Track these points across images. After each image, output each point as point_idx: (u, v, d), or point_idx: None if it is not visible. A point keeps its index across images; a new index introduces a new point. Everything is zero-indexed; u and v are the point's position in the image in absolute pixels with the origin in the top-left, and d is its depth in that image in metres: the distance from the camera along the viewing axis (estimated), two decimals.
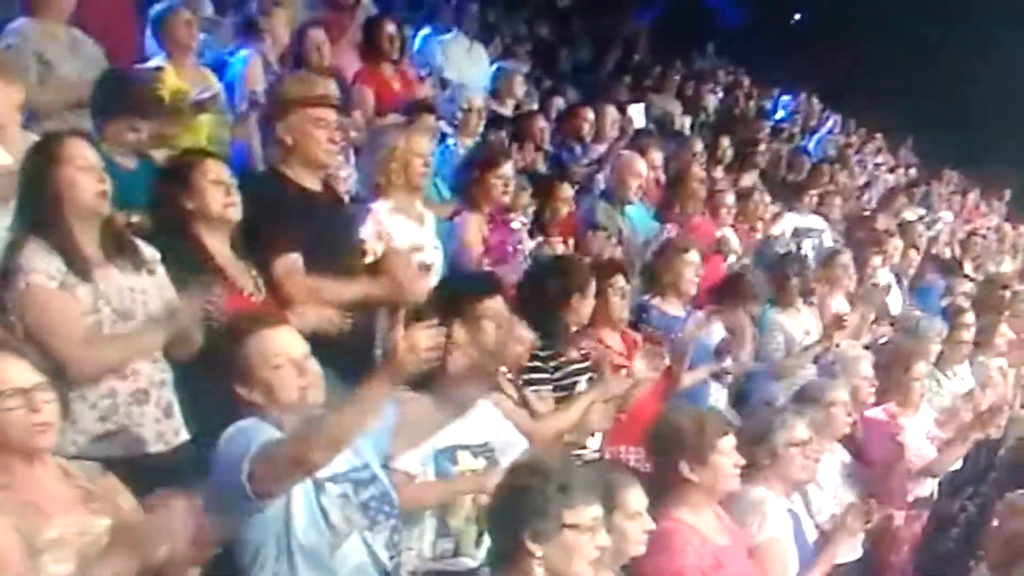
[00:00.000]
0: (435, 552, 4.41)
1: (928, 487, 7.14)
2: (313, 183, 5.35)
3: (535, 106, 10.41)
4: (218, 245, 4.80)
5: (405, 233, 5.89)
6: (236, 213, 4.82)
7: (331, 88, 6.14)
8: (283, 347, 3.90)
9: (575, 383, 5.58)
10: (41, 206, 4.20)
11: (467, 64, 10.45)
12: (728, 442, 4.81)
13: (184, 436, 4.41)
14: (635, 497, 4.25)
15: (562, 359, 5.65)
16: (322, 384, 3.95)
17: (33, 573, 3.18)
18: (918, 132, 19.08)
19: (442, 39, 10.42)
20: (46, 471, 3.38)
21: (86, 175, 4.25)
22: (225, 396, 3.96)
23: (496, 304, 4.83)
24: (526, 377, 5.38)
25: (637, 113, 11.28)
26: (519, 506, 3.66)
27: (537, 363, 5.50)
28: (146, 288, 4.39)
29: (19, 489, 3.26)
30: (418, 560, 4.34)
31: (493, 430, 4.64)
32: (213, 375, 4.04)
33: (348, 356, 4.71)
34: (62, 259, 4.14)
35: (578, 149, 9.52)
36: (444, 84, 9.64)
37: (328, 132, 5.31)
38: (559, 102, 10.63)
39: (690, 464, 4.71)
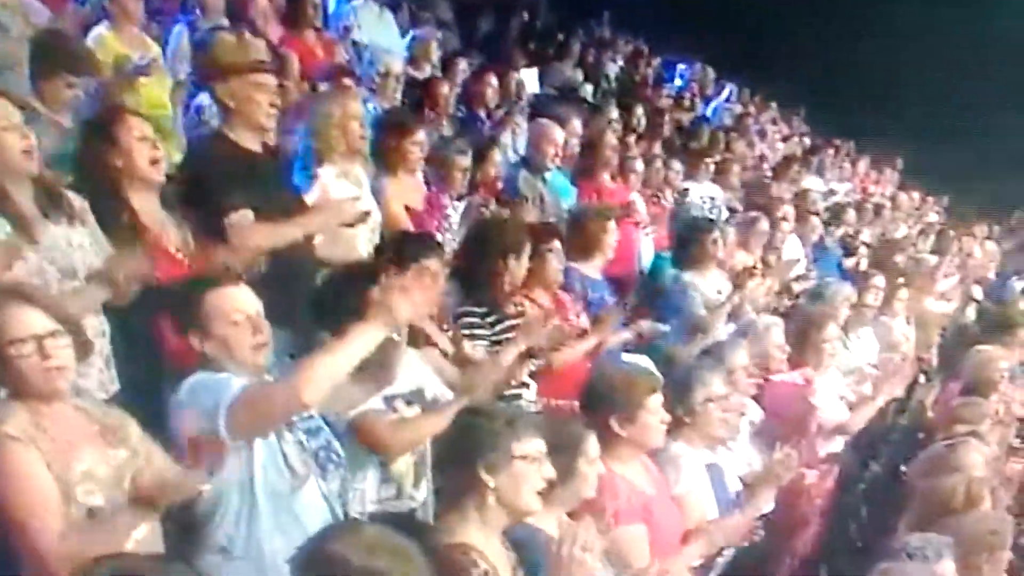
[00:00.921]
0: (379, 496, 4.69)
1: (839, 443, 7.51)
2: (254, 144, 5.54)
3: (439, 71, 10.59)
4: (144, 203, 4.96)
5: (348, 196, 6.05)
6: (161, 171, 4.98)
7: (264, 53, 6.31)
8: (242, 304, 4.12)
9: (510, 338, 5.83)
10: None
11: (378, 29, 10.65)
12: (656, 400, 5.07)
13: (117, 386, 4.59)
14: (593, 445, 4.51)
15: (497, 316, 5.92)
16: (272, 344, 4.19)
17: (67, 505, 3.44)
18: (810, 101, 19.51)
19: (354, 3, 10.58)
20: (66, 410, 3.62)
21: (10, 134, 4.41)
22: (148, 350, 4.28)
23: (435, 264, 5.13)
24: (465, 332, 5.69)
25: (530, 78, 11.54)
26: (472, 441, 3.98)
27: (475, 319, 5.81)
28: (83, 242, 4.56)
29: (47, 428, 3.49)
30: (363, 503, 4.61)
31: (423, 379, 4.93)
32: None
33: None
34: (4, 219, 4.29)
35: (482, 113, 9.77)
36: (356, 47, 9.82)
37: (268, 96, 5.51)
38: (463, 66, 10.77)
39: (620, 420, 4.96)
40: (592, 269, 7.28)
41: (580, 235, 7.27)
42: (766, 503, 5.71)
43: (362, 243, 6.07)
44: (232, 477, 3.93)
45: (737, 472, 6.03)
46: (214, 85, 5.52)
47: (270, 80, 5.56)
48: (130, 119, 4.97)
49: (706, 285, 8.08)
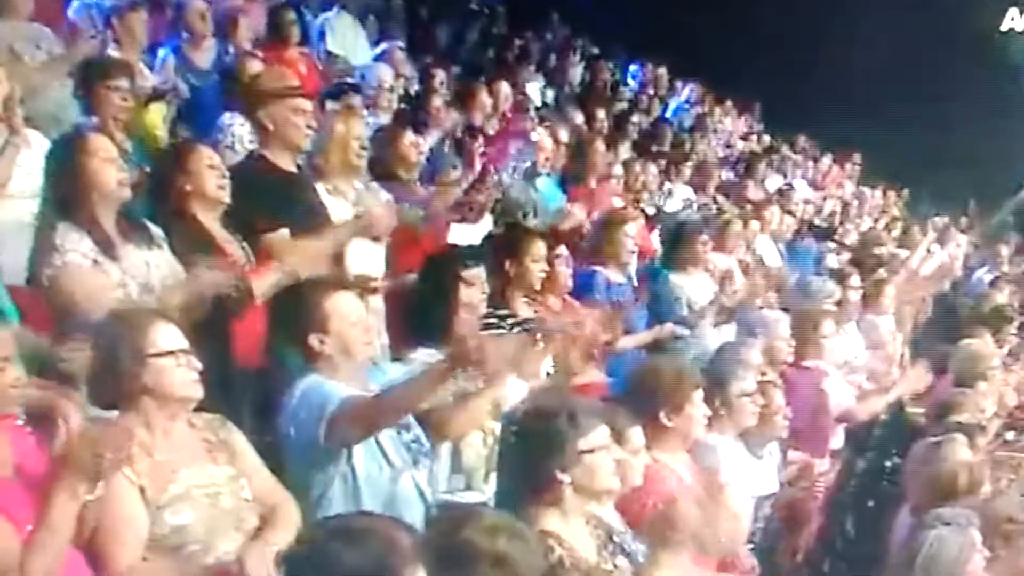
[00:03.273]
0: (449, 485, 5.32)
1: (840, 439, 8.15)
2: (290, 165, 6.21)
3: (415, 83, 11.08)
4: (212, 223, 5.57)
5: (339, 213, 6.51)
6: (226, 194, 5.60)
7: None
8: (354, 307, 4.83)
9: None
10: (70, 193, 4.94)
11: (352, 40, 11.24)
12: (699, 394, 5.70)
13: None
14: (637, 434, 5.06)
15: (516, 318, 6.46)
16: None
17: (153, 524, 3.86)
18: (764, 97, 20.03)
19: (327, 16, 11.20)
20: (181, 427, 4.11)
21: (110, 165, 5.04)
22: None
23: (481, 272, 5.76)
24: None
25: (535, 90, 12.12)
26: (538, 444, 4.47)
27: (494, 319, 6.28)
28: (159, 263, 5.15)
29: (155, 447, 3.92)
30: (434, 490, 5.16)
31: None
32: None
33: None
34: (91, 240, 4.88)
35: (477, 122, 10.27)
36: (331, 57, 10.37)
37: (305, 119, 6.19)
38: (440, 76, 11.25)
39: (668, 412, 5.57)
40: (615, 274, 7.85)
41: (601, 242, 7.87)
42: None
43: (380, 256, 6.59)
44: (335, 469, 4.55)
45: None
46: (255, 110, 6.14)
47: (306, 104, 6.24)
48: (200, 148, 5.66)
49: (691, 286, 8.62)
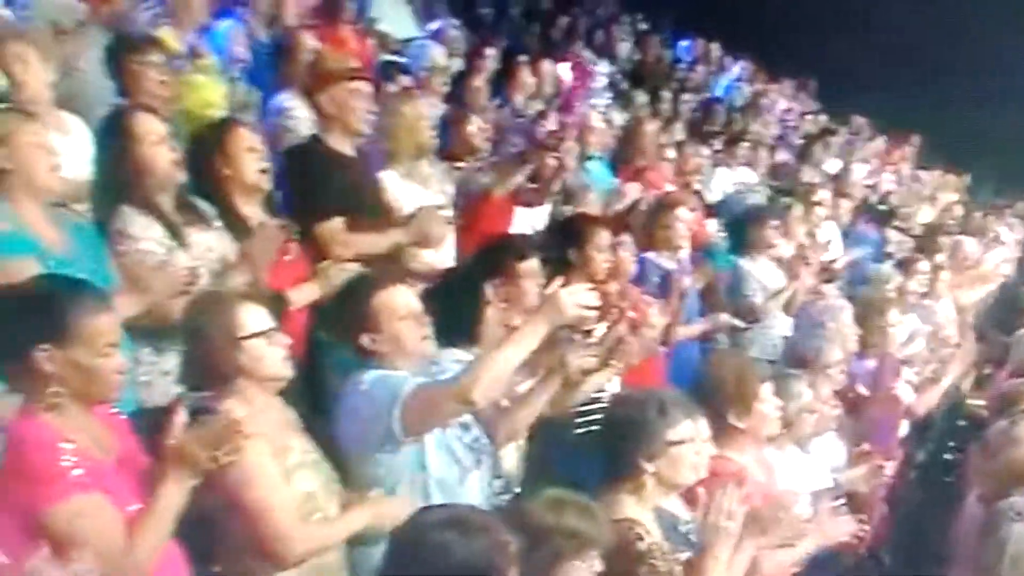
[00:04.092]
0: (492, 488, 5.27)
1: (904, 429, 8.20)
2: (348, 149, 6.29)
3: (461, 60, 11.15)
4: (252, 209, 5.59)
5: (414, 197, 6.69)
6: (267, 181, 5.64)
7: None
8: (406, 301, 4.79)
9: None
10: (126, 179, 5.04)
11: (395, 18, 11.29)
12: (767, 389, 5.75)
13: None
14: (703, 425, 5.04)
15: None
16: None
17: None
18: (820, 75, 19.92)
19: None
20: (276, 402, 4.29)
21: (161, 147, 5.13)
22: None
23: (534, 265, 5.73)
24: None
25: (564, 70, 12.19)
26: (627, 432, 4.69)
27: None
28: (214, 245, 5.26)
29: (262, 422, 4.07)
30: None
31: None
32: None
33: None
34: (161, 226, 4.99)
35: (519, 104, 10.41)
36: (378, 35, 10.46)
37: (365, 102, 6.27)
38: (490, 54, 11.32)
39: (736, 413, 5.61)
40: (667, 260, 7.84)
41: (653, 227, 7.90)
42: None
43: (448, 248, 6.68)
44: (405, 468, 4.58)
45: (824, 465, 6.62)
46: (315, 92, 6.20)
47: (365, 87, 6.31)
48: (240, 130, 5.63)
49: (760, 272, 8.67)
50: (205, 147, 5.59)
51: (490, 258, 5.72)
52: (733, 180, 11.56)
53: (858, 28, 19.91)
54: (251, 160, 5.55)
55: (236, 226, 5.44)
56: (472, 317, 5.33)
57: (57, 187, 4.74)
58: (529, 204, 7.61)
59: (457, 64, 10.46)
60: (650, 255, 7.74)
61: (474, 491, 4.80)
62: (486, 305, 5.38)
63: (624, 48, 15.90)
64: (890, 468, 7.56)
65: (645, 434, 4.63)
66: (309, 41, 7.87)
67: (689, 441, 4.69)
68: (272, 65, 8.17)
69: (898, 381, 7.85)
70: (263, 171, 5.59)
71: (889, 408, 7.71)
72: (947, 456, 9.14)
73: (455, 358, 5.07)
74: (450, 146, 7.62)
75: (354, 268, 5.83)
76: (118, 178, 5.08)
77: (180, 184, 5.27)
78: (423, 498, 4.57)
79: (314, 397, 5.24)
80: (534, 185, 7.78)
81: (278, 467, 4.07)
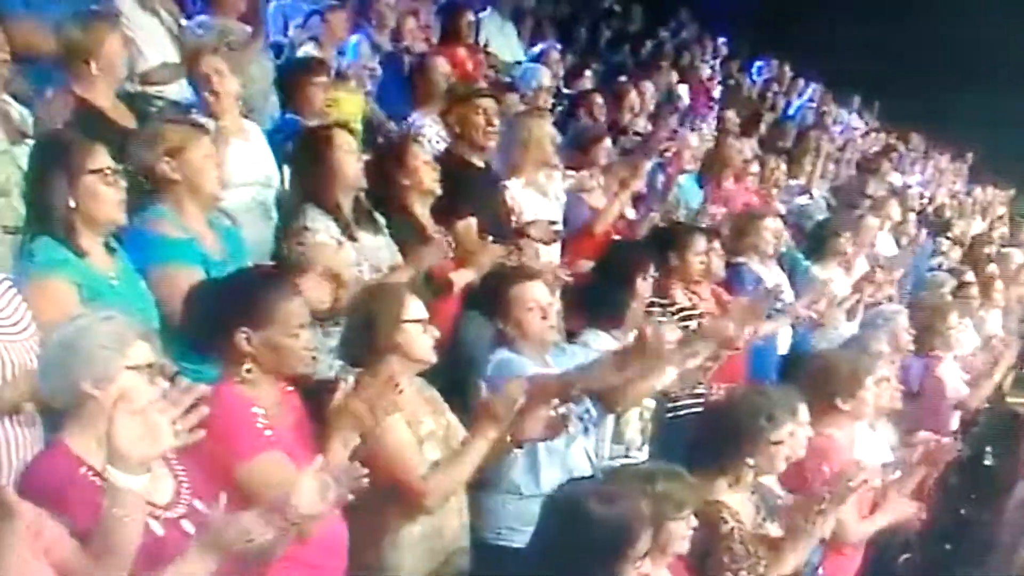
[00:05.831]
0: (611, 452, 5.83)
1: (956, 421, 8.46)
2: (478, 161, 6.79)
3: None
4: (423, 211, 6.14)
5: (535, 205, 7.14)
6: (438, 187, 6.16)
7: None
8: (537, 294, 5.26)
9: (687, 325, 6.59)
10: (317, 181, 5.60)
11: (501, 42, 11.69)
12: (871, 379, 6.12)
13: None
14: (803, 409, 5.40)
15: (676, 305, 6.84)
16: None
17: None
18: (881, 94, 19.86)
19: (480, 16, 11.58)
20: (417, 381, 4.66)
21: (352, 157, 5.70)
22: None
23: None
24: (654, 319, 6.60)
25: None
26: (736, 435, 5.09)
27: (656, 308, 6.64)
28: (381, 247, 5.76)
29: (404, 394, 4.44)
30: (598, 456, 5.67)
31: None
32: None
33: None
34: (335, 223, 5.48)
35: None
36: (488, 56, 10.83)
37: (485, 118, 6.72)
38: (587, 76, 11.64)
39: (843, 398, 6.01)
40: (759, 266, 8.14)
41: (742, 236, 8.18)
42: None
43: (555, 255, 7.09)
44: None
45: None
46: (449, 112, 6.70)
47: (491, 104, 6.78)
48: (414, 147, 6.21)
49: (831, 278, 8.81)
50: (385, 160, 6.18)
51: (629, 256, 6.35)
52: (800, 193, 11.75)
53: (922, 50, 19.89)
54: (428, 170, 6.11)
55: (410, 226, 5.97)
56: (619, 306, 5.94)
57: (221, 197, 5.16)
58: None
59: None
60: (745, 261, 8.03)
61: (580, 457, 5.22)
62: (634, 295, 5.99)
63: (705, 70, 16.08)
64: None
65: (751, 438, 5.06)
66: (443, 66, 8.25)
67: (789, 437, 5.09)
68: (396, 81, 8.67)
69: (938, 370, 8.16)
70: (436, 180, 6.12)
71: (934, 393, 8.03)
72: (989, 448, 9.28)
73: (593, 341, 5.76)
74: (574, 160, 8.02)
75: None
76: (311, 181, 5.61)
77: (361, 189, 5.79)
78: (533, 461, 5.00)
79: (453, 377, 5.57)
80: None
81: (412, 436, 4.43)
